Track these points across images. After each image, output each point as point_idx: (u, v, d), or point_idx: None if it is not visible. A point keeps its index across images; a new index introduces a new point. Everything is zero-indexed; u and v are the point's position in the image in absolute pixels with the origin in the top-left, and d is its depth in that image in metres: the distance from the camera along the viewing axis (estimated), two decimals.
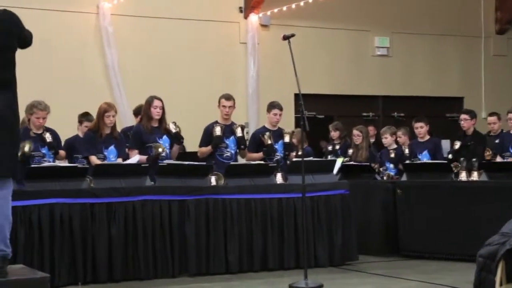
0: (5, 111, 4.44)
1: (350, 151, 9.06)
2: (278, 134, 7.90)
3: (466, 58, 13.70)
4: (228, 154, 7.64)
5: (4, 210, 4.51)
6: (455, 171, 7.69)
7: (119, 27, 11.05)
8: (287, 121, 11.07)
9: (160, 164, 6.85)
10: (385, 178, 8.50)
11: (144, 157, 7.09)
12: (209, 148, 7.58)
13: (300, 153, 7.46)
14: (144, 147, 7.20)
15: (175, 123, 7.37)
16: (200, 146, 7.71)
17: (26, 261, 5.64)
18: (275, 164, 7.36)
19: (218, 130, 7.53)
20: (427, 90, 13.34)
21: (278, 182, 7.16)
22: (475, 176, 7.49)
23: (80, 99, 9.78)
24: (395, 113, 13.23)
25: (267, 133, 7.75)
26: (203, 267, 6.55)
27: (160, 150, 6.98)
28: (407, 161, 8.29)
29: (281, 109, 7.97)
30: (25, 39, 4.65)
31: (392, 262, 7.40)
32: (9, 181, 4.57)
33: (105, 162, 7.03)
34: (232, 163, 7.41)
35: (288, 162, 7.68)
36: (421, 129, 8.55)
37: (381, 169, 8.69)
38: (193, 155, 7.84)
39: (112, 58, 11.01)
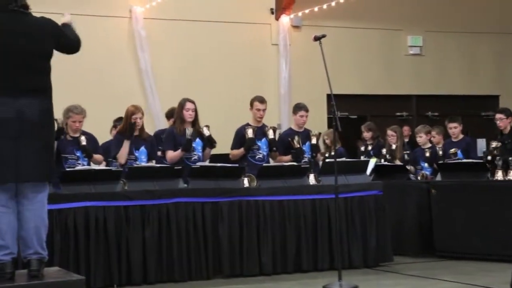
0: (42, 117, 4.49)
1: (384, 151, 8.99)
2: (305, 135, 7.88)
3: (501, 56, 13.53)
4: (260, 156, 7.64)
5: (41, 213, 4.56)
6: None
7: (152, 30, 11.13)
8: (320, 122, 11.07)
9: (193, 166, 6.88)
10: (419, 178, 8.42)
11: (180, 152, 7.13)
12: (241, 150, 7.59)
13: (333, 153, 7.43)
14: (177, 150, 7.23)
15: (208, 127, 7.39)
16: (232, 148, 7.72)
17: (62, 264, 5.68)
18: (308, 165, 7.34)
19: (250, 132, 7.54)
20: (461, 88, 13.19)
21: (311, 183, 7.14)
22: None
23: (114, 103, 9.85)
24: (429, 113, 13.12)
25: (296, 137, 7.74)
26: (237, 269, 6.56)
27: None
28: (441, 161, 8.20)
29: (307, 110, 7.96)
30: (67, 45, 4.69)
31: (427, 263, 7.33)
32: (45, 185, 4.62)
33: (138, 164, 7.08)
34: (264, 164, 7.41)
35: (319, 163, 7.66)
36: (454, 129, 8.47)
37: (412, 167, 8.60)
38: (225, 157, 7.86)
39: (145, 62, 11.10)
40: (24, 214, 4.49)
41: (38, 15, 4.62)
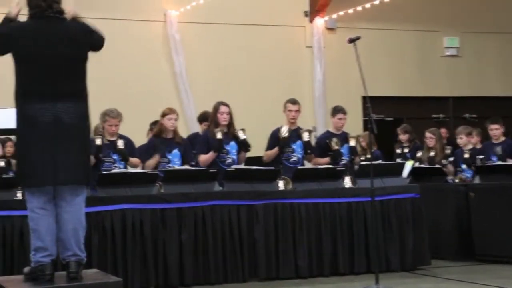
0: (79, 121, 4.55)
1: (420, 153, 8.90)
2: (342, 138, 7.84)
3: None
4: (295, 158, 7.62)
5: (79, 216, 4.61)
6: None
7: (186, 34, 11.19)
8: (355, 125, 10.99)
9: (228, 169, 6.89)
10: (456, 181, 8.32)
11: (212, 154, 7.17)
12: (275, 150, 7.54)
13: (368, 156, 7.38)
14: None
15: (243, 130, 7.39)
16: (267, 150, 7.70)
17: (100, 266, 5.72)
18: (343, 168, 7.30)
19: (284, 131, 7.48)
20: (498, 90, 13.03)
21: (346, 186, 7.10)
22: None
23: (149, 106, 9.92)
24: (467, 114, 12.96)
25: (334, 139, 7.70)
26: (273, 271, 6.54)
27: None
28: (480, 163, 8.09)
29: (345, 113, 7.92)
30: (95, 44, 4.71)
31: (466, 267, 7.23)
32: (83, 187, 4.67)
33: (172, 167, 7.12)
34: (299, 167, 7.38)
35: (355, 166, 7.61)
36: (496, 131, 8.35)
37: (452, 168, 8.49)
38: (260, 160, 7.84)
39: (180, 65, 11.17)
40: (63, 217, 4.56)
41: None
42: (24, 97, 4.49)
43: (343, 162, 7.66)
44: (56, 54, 4.49)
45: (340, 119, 7.89)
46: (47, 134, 4.43)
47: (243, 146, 7.36)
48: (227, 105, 7.37)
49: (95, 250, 5.95)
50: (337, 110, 7.93)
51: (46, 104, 4.44)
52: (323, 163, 7.64)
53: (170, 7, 11.26)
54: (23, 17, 4.60)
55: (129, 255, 6.10)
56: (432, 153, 8.65)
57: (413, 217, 7.02)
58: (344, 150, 7.77)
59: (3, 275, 5.42)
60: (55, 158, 4.43)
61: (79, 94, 4.59)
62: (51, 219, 4.54)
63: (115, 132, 7.17)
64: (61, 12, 4.56)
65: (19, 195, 6.11)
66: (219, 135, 7.16)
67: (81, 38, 4.61)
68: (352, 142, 7.78)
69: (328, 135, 7.91)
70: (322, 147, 7.81)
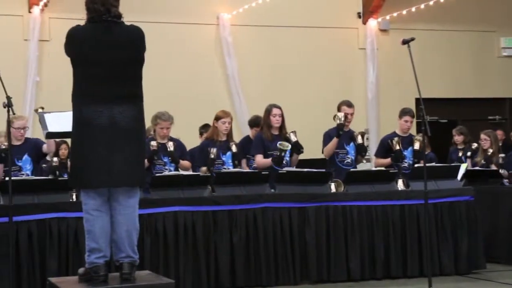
0: (134, 123, 4.60)
1: (475, 156, 8.74)
2: (408, 140, 7.74)
3: None
4: (349, 160, 7.58)
5: (133, 218, 4.66)
6: None
7: (239, 37, 11.24)
8: None
9: (279, 171, 6.89)
10: None
11: (269, 160, 7.17)
12: (335, 140, 7.41)
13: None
14: (266, 154, 7.26)
15: (295, 133, 7.38)
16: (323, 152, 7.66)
17: (152, 267, 5.79)
18: (396, 170, 7.22)
19: (341, 114, 7.42)
20: None
21: (399, 189, 7.02)
22: None
23: (201, 109, 10.00)
24: None
25: (396, 138, 7.62)
26: (324, 274, 6.52)
27: (286, 147, 6.99)
28: None
29: (412, 116, 7.88)
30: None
31: None
32: (137, 190, 4.72)
33: (226, 168, 7.15)
34: (352, 169, 7.34)
35: None
36: None
37: (505, 172, 8.31)
38: (312, 162, 7.81)
39: (232, 68, 11.22)
40: (117, 218, 4.61)
41: (128, 23, 4.73)
42: (81, 99, 4.55)
43: (405, 164, 7.57)
44: (114, 57, 4.55)
45: (406, 121, 7.83)
46: (103, 136, 4.49)
47: (296, 148, 7.35)
48: (279, 108, 7.37)
49: (148, 252, 6.02)
50: (404, 112, 7.87)
51: (103, 106, 4.50)
52: (385, 163, 7.57)
53: (222, 10, 11.32)
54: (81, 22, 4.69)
55: (181, 257, 6.16)
56: (488, 155, 8.50)
57: (467, 220, 6.90)
58: (408, 152, 7.68)
59: (58, 275, 5.53)
60: (110, 160, 4.49)
61: (135, 97, 4.64)
62: (105, 220, 4.59)
63: (166, 135, 7.23)
64: (119, 16, 4.63)
65: (74, 197, 6.23)
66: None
67: (138, 42, 4.67)
68: (417, 145, 7.66)
69: (393, 135, 7.83)
70: (385, 147, 7.75)
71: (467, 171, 8.07)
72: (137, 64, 4.67)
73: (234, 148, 7.35)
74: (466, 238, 6.85)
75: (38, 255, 5.83)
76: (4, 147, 6.74)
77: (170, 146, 7.12)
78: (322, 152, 7.66)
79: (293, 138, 7.34)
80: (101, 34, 4.57)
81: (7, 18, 10.45)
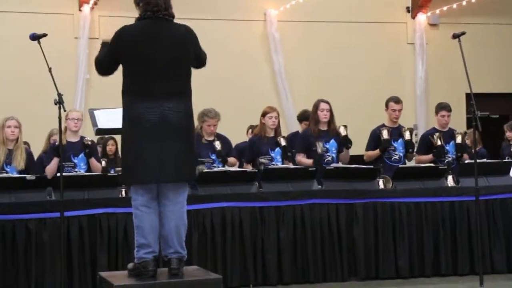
0: (184, 120, 4.63)
1: None
2: (449, 135, 7.63)
3: None
4: (397, 157, 7.50)
5: (181, 214, 4.70)
6: None
7: (286, 33, 11.22)
8: (459, 122, 10.69)
9: (327, 167, 6.86)
10: None
11: (310, 161, 7.15)
12: (376, 151, 7.48)
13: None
14: (310, 151, 7.24)
15: (345, 126, 7.33)
16: (367, 149, 7.61)
17: (200, 263, 5.82)
18: (445, 167, 7.12)
19: (385, 133, 7.41)
20: None
21: (449, 185, 6.92)
22: None
23: (248, 105, 10.02)
24: None
25: (437, 134, 7.51)
26: (373, 271, 6.47)
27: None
28: None
29: (449, 110, 7.71)
30: (199, 59, 4.82)
31: None
32: (185, 186, 4.76)
33: (275, 164, 7.15)
34: (400, 166, 7.26)
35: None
36: None
37: None
38: (360, 158, 7.77)
39: (279, 64, 11.22)
40: (166, 214, 4.65)
41: (176, 21, 4.76)
42: (132, 96, 4.59)
43: (448, 159, 7.46)
44: (165, 54, 4.59)
45: (443, 116, 7.69)
46: (153, 132, 4.53)
47: (344, 142, 7.31)
48: (327, 102, 7.34)
49: (195, 248, 6.06)
50: (440, 107, 7.74)
51: (154, 103, 4.53)
52: (426, 160, 7.48)
53: (270, 6, 11.32)
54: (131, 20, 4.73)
55: (228, 253, 6.18)
56: None
57: None
58: (450, 147, 7.57)
59: (108, 270, 5.59)
60: (160, 156, 4.52)
61: (185, 94, 4.67)
62: (154, 216, 4.63)
63: (213, 132, 7.26)
64: (173, 16, 4.68)
65: (123, 192, 6.30)
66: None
67: (189, 40, 4.71)
68: (459, 139, 7.54)
69: (433, 132, 7.72)
70: (426, 143, 7.64)
71: None
72: (187, 61, 4.70)
73: (283, 142, 7.31)
74: None
75: (88, 250, 5.92)
76: (88, 143, 6.84)
77: (218, 145, 7.14)
78: (366, 150, 7.61)
79: (342, 132, 7.30)
80: (155, 31, 4.61)
81: (58, 16, 10.65)
